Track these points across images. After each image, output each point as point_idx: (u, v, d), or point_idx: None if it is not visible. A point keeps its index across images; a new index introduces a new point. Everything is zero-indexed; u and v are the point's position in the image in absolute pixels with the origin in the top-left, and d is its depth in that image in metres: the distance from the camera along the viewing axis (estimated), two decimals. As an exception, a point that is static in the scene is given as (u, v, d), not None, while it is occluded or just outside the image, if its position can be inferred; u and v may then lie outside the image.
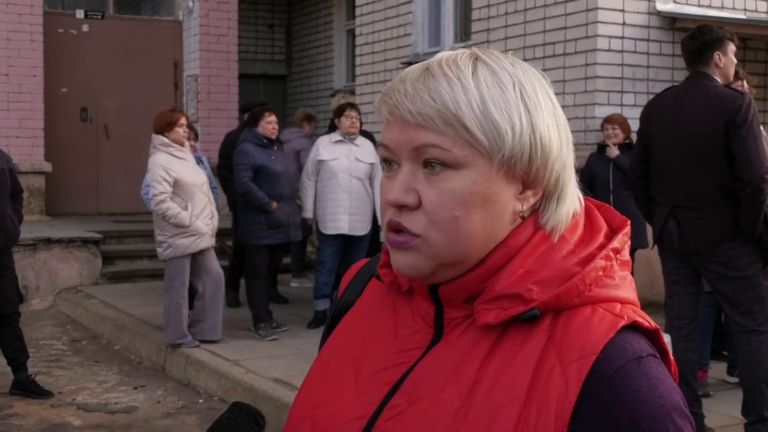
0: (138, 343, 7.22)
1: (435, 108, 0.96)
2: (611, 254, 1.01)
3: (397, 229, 1.00)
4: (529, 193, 1.01)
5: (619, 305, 0.98)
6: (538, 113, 1.00)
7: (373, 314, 1.13)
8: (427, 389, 0.99)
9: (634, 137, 6.95)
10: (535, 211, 1.02)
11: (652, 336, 0.99)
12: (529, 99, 1.00)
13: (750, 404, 4.34)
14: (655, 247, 4.68)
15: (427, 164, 0.98)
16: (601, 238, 1.02)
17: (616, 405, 0.91)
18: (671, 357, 1.00)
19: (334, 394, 1.07)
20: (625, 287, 1.01)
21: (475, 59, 1.00)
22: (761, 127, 5.05)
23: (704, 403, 4.67)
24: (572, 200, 1.04)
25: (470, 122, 0.96)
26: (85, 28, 12.00)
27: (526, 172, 1.00)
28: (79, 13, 11.97)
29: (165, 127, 6.40)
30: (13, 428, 5.36)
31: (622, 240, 1.03)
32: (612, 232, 1.04)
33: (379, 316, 1.12)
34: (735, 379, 5.39)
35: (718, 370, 5.70)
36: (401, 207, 0.99)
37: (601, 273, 0.99)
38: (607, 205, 1.08)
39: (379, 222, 1.08)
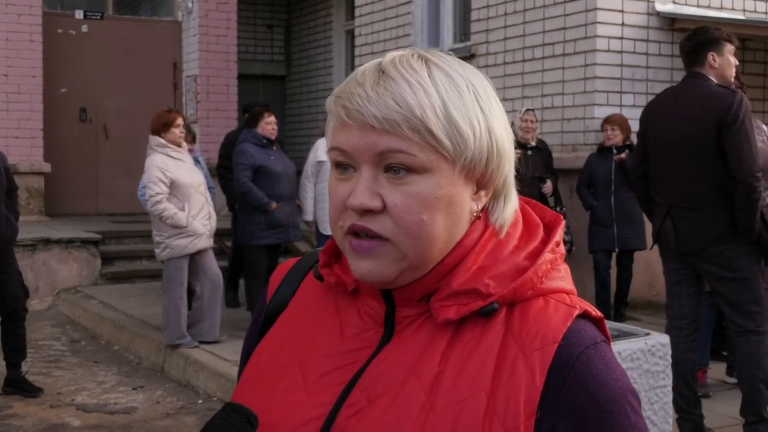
0: (137, 344, 7.22)
1: (401, 113, 0.96)
2: (555, 248, 1.04)
3: (361, 233, 0.99)
4: (482, 193, 1.03)
5: (566, 296, 1.03)
6: (493, 115, 1.02)
7: (312, 314, 1.12)
8: (387, 385, 1.00)
9: (634, 138, 6.99)
10: (484, 210, 1.05)
11: (598, 324, 1.03)
12: (482, 101, 1.01)
13: (749, 404, 4.35)
14: (655, 247, 4.69)
15: (389, 168, 0.98)
16: (540, 233, 1.06)
17: (580, 389, 0.95)
18: (611, 345, 1.05)
19: (282, 398, 1.05)
20: (568, 278, 1.05)
21: (426, 60, 1.00)
22: (763, 126, 5.07)
23: (703, 403, 4.67)
24: (515, 198, 1.07)
25: (435, 127, 0.96)
26: (85, 28, 12.01)
27: (483, 173, 1.02)
28: (79, 14, 11.98)
29: (161, 127, 6.40)
30: (12, 429, 5.36)
31: (561, 234, 1.07)
32: (546, 227, 1.07)
33: (321, 316, 1.11)
34: (734, 380, 5.39)
35: (717, 370, 5.71)
36: (363, 213, 0.98)
37: (549, 266, 1.03)
38: (535, 201, 1.12)
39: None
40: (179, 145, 6.50)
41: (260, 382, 1.09)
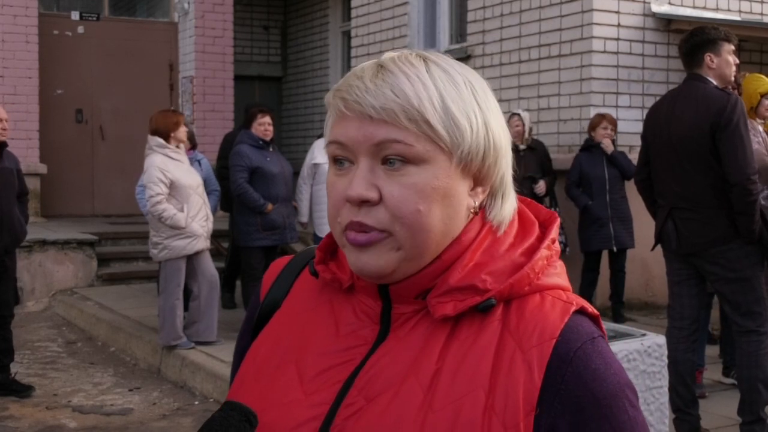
0: (133, 345, 7.22)
1: (399, 103, 0.97)
2: (551, 245, 1.05)
3: (357, 230, 1.00)
4: (479, 189, 1.04)
5: (562, 292, 1.03)
6: (490, 113, 1.03)
7: (307, 312, 1.11)
8: (384, 384, 1.00)
9: (623, 138, 7.05)
10: (482, 208, 1.06)
11: (595, 321, 1.04)
12: (480, 98, 1.02)
13: (747, 404, 4.35)
14: (653, 248, 4.71)
15: (386, 161, 0.98)
16: (536, 231, 1.07)
17: (579, 385, 0.96)
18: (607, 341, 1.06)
19: (278, 397, 1.05)
20: (563, 275, 1.06)
21: (425, 59, 1.02)
22: (759, 127, 5.08)
23: (700, 404, 4.67)
24: (513, 198, 1.08)
25: (432, 118, 0.97)
26: (81, 29, 11.99)
27: (479, 169, 1.03)
28: (75, 15, 11.96)
29: (172, 126, 6.41)
30: (8, 430, 5.35)
31: (557, 231, 1.08)
32: (541, 225, 1.08)
33: (316, 314, 1.10)
34: (730, 380, 5.40)
35: (713, 371, 5.71)
36: (361, 204, 0.98)
37: (545, 262, 1.03)
38: (530, 200, 1.12)
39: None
40: (188, 146, 6.58)
41: (256, 382, 1.09)
